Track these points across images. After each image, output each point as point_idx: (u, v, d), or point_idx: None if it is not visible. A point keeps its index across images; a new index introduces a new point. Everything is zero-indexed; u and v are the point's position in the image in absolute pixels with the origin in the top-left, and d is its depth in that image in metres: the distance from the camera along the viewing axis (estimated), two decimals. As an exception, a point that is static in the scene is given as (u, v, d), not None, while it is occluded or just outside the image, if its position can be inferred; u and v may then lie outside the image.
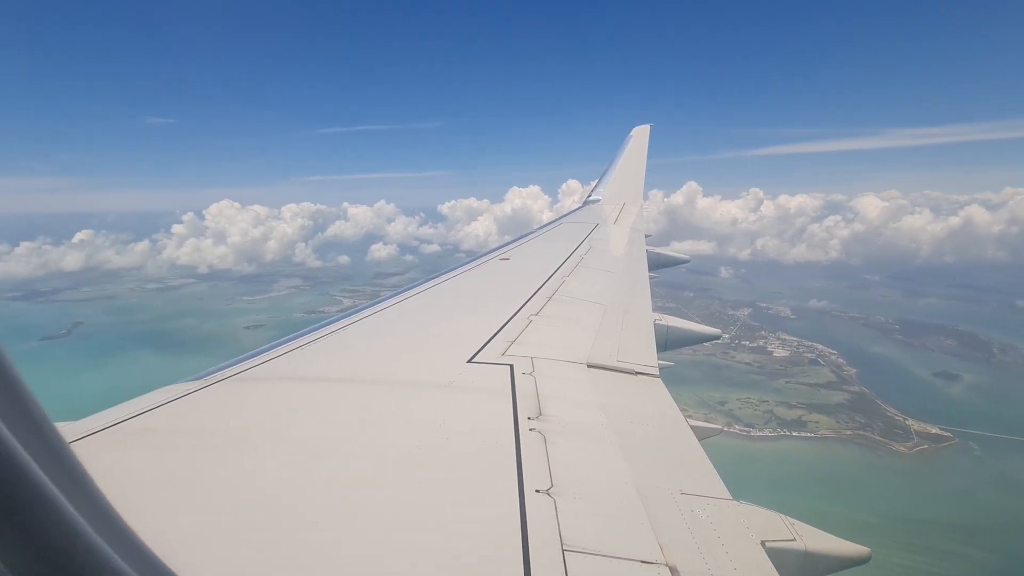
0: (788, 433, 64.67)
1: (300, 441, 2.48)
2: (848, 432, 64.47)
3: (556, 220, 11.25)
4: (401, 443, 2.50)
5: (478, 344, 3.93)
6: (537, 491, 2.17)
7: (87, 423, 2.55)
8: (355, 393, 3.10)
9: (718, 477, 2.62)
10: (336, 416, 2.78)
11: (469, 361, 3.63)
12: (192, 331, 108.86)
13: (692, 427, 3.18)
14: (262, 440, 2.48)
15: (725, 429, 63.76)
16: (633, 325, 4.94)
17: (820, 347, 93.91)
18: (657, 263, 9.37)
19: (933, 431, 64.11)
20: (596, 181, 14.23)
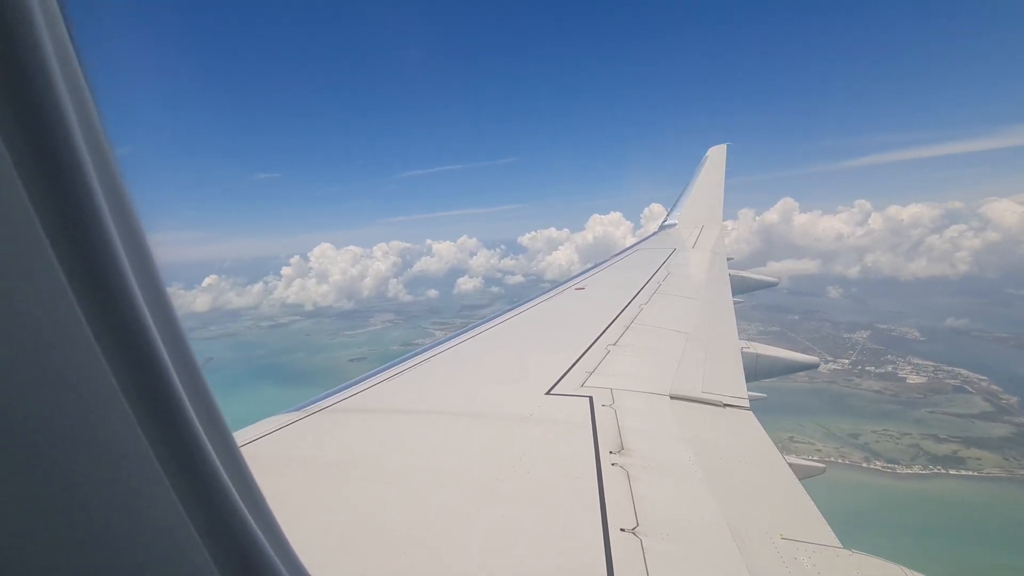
0: (943, 471, 55.21)
1: (384, 472, 2.57)
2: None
3: (631, 247, 10.96)
4: (482, 476, 2.51)
5: (556, 375, 3.89)
6: (622, 530, 2.08)
7: None
8: (437, 425, 3.18)
9: (824, 521, 2.36)
10: (419, 447, 2.86)
11: (548, 393, 3.59)
12: (303, 364, 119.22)
13: (790, 464, 2.90)
14: (349, 470, 2.60)
15: (866, 465, 56.20)
16: (718, 353, 4.64)
17: (964, 372, 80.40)
18: (742, 287, 8.76)
19: None
20: (672, 205, 13.91)
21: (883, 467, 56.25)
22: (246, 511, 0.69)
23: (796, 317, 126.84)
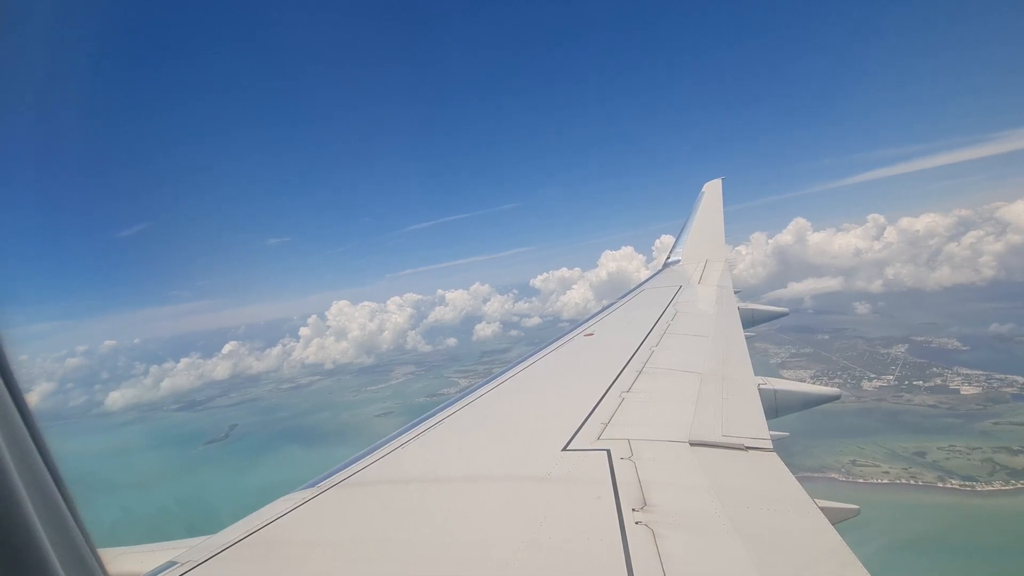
0: (1029, 484, 51.65)
1: (402, 550, 2.46)
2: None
3: (638, 287, 10.94)
4: (502, 546, 2.36)
5: (572, 429, 3.79)
6: None
7: (222, 537, 2.75)
8: (454, 492, 3.09)
9: (864, 570, 2.14)
10: (437, 519, 2.76)
11: (564, 449, 3.48)
12: (329, 423, 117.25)
13: (822, 508, 2.70)
14: (365, 550, 2.50)
15: (941, 485, 52.94)
16: (734, 393, 4.49)
17: (1020, 379, 77.19)
18: (752, 319, 8.64)
19: None
20: (674, 242, 13.95)
21: (960, 485, 52.96)
22: (31, 510, 0.67)
23: (826, 336, 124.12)
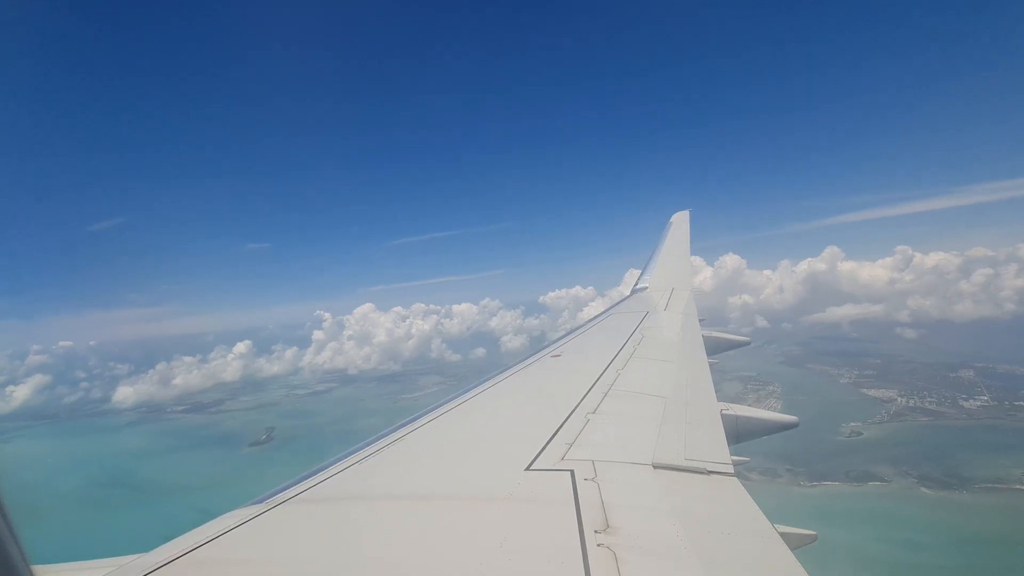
0: None
1: (354, 570, 2.38)
2: None
3: (605, 312, 11.07)
4: (460, 566, 2.31)
5: (536, 449, 3.73)
6: None
7: (156, 555, 2.59)
8: (413, 511, 3.01)
9: None
10: (394, 538, 2.66)
11: (527, 468, 3.42)
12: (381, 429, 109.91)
13: (781, 534, 2.70)
14: (316, 570, 2.40)
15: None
16: (698, 418, 4.46)
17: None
18: (716, 347, 8.76)
19: None
20: (641, 270, 14.21)
21: None
22: None
23: (878, 360, 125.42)
